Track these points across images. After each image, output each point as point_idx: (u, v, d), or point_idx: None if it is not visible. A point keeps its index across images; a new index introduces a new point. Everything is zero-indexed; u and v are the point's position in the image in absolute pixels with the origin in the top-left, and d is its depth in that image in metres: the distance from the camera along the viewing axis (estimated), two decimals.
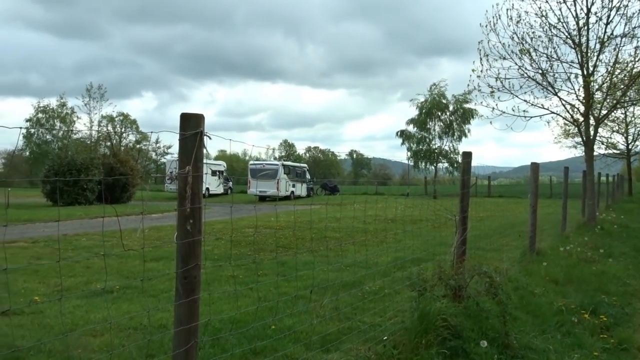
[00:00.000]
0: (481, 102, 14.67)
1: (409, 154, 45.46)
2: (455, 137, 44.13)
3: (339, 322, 5.20)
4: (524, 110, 14.52)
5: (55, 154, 35.43)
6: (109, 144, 59.51)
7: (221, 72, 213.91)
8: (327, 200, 24.84)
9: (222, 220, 16.50)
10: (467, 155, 6.11)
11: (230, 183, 45.98)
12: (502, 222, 16.23)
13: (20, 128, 2.62)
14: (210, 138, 2.76)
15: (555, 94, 14.72)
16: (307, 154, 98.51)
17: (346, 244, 10.54)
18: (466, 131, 44.09)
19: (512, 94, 14.40)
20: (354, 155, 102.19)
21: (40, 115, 66.01)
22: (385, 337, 4.45)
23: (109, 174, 29.99)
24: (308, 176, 44.97)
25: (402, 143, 45.75)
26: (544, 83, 14.44)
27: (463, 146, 44.57)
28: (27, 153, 67.42)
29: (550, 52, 14.10)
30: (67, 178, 21.43)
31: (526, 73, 14.31)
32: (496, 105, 14.42)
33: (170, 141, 79.60)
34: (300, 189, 41.55)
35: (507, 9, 14.17)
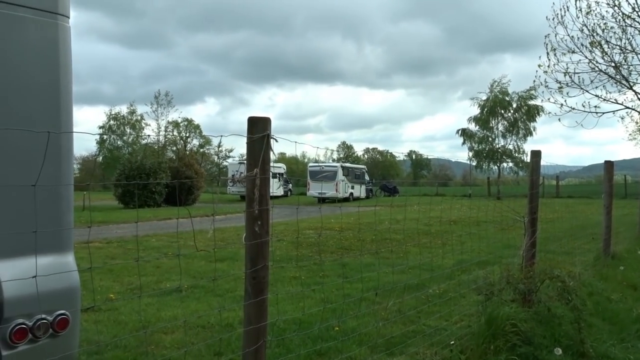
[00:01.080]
0: (548, 99, 14.12)
1: (470, 153, 44.23)
2: (520, 136, 42.51)
3: (404, 325, 5.14)
4: (595, 106, 13.85)
5: (126, 159, 37.31)
6: (175, 148, 61.98)
7: (281, 76, 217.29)
8: (390, 202, 24.66)
9: (282, 222, 16.73)
10: (536, 154, 5.88)
11: (290, 185, 46.58)
12: (573, 224, 15.43)
13: (101, 135, 2.79)
14: (276, 141, 2.79)
15: (630, 88, 13.91)
16: (366, 156, 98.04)
17: (408, 246, 10.40)
18: (532, 129, 42.37)
19: (582, 89, 13.75)
20: (413, 156, 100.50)
21: (112, 122, 69.73)
22: (452, 342, 4.36)
23: (175, 178, 31.21)
24: (367, 177, 44.83)
25: (463, 143, 44.55)
26: (618, 76, 13.69)
27: (529, 145, 42.88)
28: (100, 158, 71.40)
29: (624, 43, 13.34)
30: (141, 182, 22.55)
31: (597, 67, 13.62)
32: (565, 101, 13.83)
33: (232, 145, 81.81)
34: (359, 191, 41.46)
35: (576, 0, 13.55)
